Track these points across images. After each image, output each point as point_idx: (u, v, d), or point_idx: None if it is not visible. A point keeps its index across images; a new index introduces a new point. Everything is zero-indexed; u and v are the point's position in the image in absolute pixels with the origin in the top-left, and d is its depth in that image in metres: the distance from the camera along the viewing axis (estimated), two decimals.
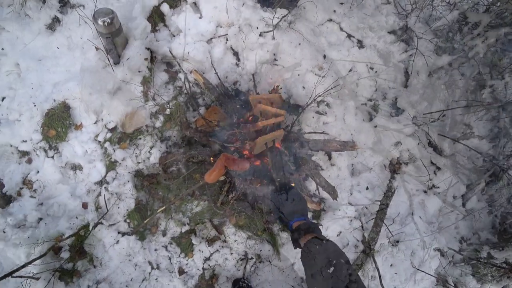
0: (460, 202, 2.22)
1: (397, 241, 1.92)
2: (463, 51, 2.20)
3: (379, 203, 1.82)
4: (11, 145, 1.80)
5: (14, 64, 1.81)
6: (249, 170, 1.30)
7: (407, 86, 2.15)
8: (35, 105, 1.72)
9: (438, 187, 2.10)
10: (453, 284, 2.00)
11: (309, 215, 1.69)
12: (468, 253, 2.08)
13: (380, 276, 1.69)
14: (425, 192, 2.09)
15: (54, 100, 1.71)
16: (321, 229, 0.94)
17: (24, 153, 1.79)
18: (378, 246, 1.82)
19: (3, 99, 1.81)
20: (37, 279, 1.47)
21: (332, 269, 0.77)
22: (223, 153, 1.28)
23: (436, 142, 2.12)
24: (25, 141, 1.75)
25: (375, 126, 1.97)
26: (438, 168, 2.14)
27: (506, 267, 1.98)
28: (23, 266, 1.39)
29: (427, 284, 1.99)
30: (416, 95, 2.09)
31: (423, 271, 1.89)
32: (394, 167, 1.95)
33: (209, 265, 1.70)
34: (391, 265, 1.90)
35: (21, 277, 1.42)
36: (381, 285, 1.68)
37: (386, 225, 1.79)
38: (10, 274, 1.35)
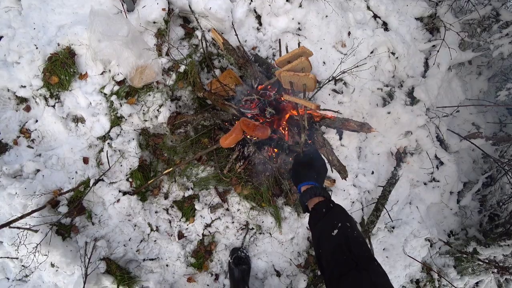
0: (455, 198, 2.28)
1: (393, 227, 1.97)
2: (487, 49, 2.15)
3: (382, 188, 1.84)
4: (8, 90, 1.69)
5: None
6: (267, 138, 1.25)
7: (425, 76, 2.10)
8: (36, 48, 1.60)
9: (438, 181, 2.14)
10: (436, 272, 2.10)
11: None
12: (456, 246, 2.17)
13: None
14: (425, 184, 2.12)
15: (58, 44, 1.59)
16: (330, 194, 0.91)
17: (23, 100, 1.69)
18: (375, 230, 1.87)
19: (0, 38, 1.66)
20: (36, 231, 1.44)
21: (336, 231, 0.75)
22: (243, 117, 1.23)
23: (444, 137, 2.13)
24: (24, 86, 1.64)
25: (388, 113, 1.95)
26: (441, 163, 2.16)
27: (489, 263, 2.09)
28: (21, 217, 1.35)
29: (413, 270, 2.08)
30: (433, 87, 2.06)
31: (412, 258, 1.97)
32: (401, 156, 1.95)
33: (209, 231, 1.71)
34: (383, 249, 1.96)
35: (19, 228, 1.38)
36: None
37: (387, 210, 1.82)
38: (8, 224, 1.31)
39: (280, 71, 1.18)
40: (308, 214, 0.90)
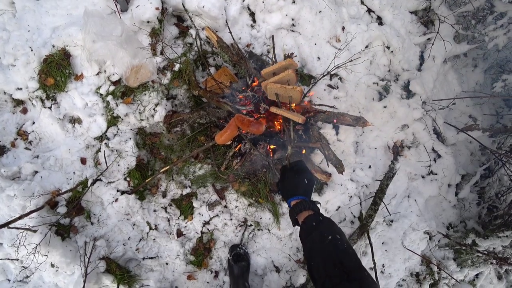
0: (453, 190, 2.29)
1: (391, 221, 1.98)
2: (482, 41, 2.16)
3: (379, 182, 1.85)
4: (4, 92, 1.70)
5: (8, 2, 1.66)
6: (262, 134, 1.25)
7: (421, 70, 2.11)
8: (32, 50, 1.60)
9: (436, 174, 2.14)
10: (436, 265, 2.11)
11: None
12: (455, 238, 2.18)
13: (372, 252, 1.75)
14: (423, 177, 2.13)
15: (53, 46, 1.59)
16: (319, 207, 0.95)
17: (19, 102, 1.70)
18: (373, 224, 1.87)
19: None
20: (35, 231, 1.44)
21: (326, 244, 0.79)
22: (237, 114, 1.23)
23: (441, 129, 2.13)
24: (20, 88, 1.65)
25: (384, 107, 1.95)
26: (439, 156, 2.17)
27: (488, 254, 2.09)
28: (19, 218, 1.36)
29: (413, 263, 2.08)
30: (429, 80, 2.06)
31: (411, 251, 1.97)
32: (398, 149, 1.95)
33: (207, 229, 1.71)
34: (382, 243, 1.97)
35: (17, 228, 1.39)
36: (373, 260, 1.75)
37: (385, 204, 1.82)
38: (6, 224, 1.31)
39: (267, 83, 1.19)
40: (298, 227, 0.93)
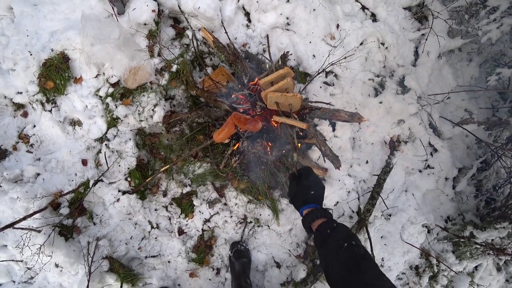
0: (450, 184, 2.31)
1: (390, 215, 2.00)
2: (476, 35, 2.18)
3: (376, 177, 1.87)
4: (5, 97, 1.73)
5: (7, 8, 1.68)
6: (259, 131, 1.28)
7: (415, 65, 2.13)
8: (31, 54, 1.63)
9: (433, 168, 2.17)
10: (435, 258, 2.14)
11: None
12: (453, 231, 2.20)
13: (371, 246, 1.78)
14: (420, 171, 2.15)
15: (52, 50, 1.62)
16: (331, 213, 0.95)
17: (20, 106, 1.72)
18: (371, 218, 1.90)
19: None
20: (39, 231, 1.47)
21: (343, 250, 0.79)
22: (234, 112, 1.26)
23: (437, 124, 2.16)
24: (21, 92, 1.67)
25: (380, 102, 1.98)
26: (435, 150, 2.19)
27: (486, 246, 2.12)
28: (23, 218, 1.38)
29: (412, 256, 2.11)
30: (423, 75, 2.08)
31: (410, 244, 2.00)
32: (394, 144, 1.98)
33: (208, 226, 1.74)
34: (381, 237, 1.99)
35: (22, 229, 1.41)
36: (372, 254, 1.77)
37: (382, 199, 1.85)
38: (11, 225, 1.34)
39: (267, 92, 1.21)
40: (313, 234, 0.93)
